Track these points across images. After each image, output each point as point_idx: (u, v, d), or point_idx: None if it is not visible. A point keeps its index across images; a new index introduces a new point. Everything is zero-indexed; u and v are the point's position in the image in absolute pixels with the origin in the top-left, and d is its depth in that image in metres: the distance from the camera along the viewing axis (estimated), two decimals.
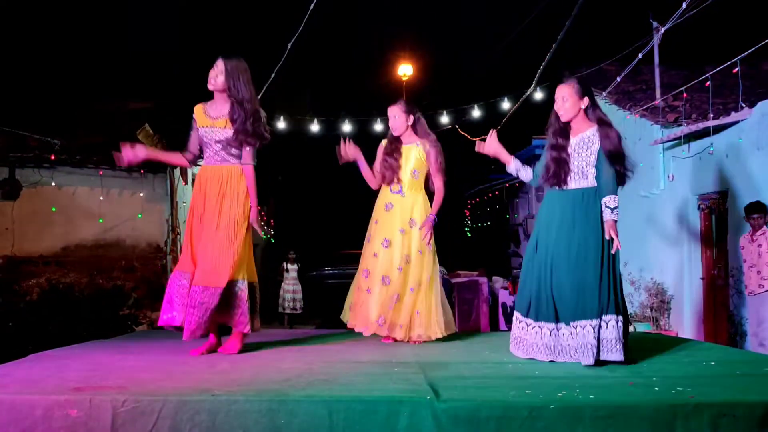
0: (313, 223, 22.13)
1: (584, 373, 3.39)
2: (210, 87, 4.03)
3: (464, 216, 21.67)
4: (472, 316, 12.66)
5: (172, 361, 3.69)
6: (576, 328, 3.68)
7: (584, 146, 3.85)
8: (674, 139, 8.19)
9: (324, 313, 15.46)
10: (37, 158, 10.04)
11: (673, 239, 8.61)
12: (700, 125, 7.63)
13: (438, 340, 4.48)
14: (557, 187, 3.91)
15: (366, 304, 4.46)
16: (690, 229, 8.34)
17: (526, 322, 3.88)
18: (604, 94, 9.76)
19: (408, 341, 4.46)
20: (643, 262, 8.96)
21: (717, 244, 7.94)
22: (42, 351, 4.04)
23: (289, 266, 13.48)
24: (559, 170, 3.87)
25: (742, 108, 7.18)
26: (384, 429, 2.65)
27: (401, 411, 2.66)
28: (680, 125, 8.24)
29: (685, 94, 8.16)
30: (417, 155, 4.61)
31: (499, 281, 12.93)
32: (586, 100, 3.88)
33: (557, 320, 3.76)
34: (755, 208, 6.38)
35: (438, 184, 4.64)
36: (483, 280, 12.51)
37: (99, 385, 2.91)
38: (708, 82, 7.38)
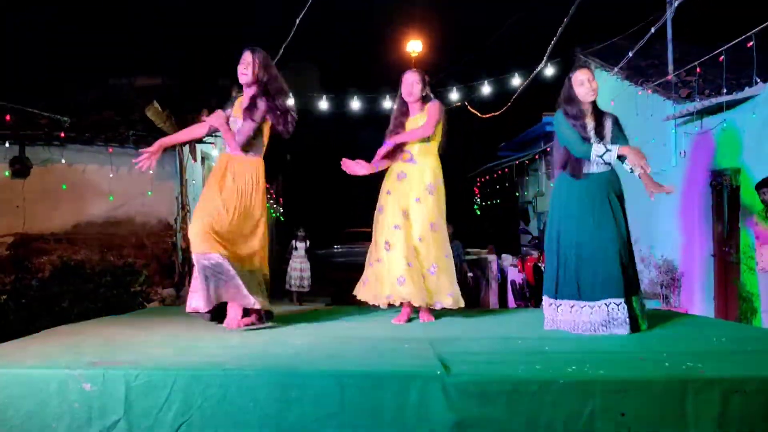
0: (321, 202, 22.17)
1: (594, 348, 3.40)
2: (241, 81, 4.14)
3: (473, 194, 21.62)
4: (481, 293, 12.71)
5: (183, 337, 3.71)
6: (593, 307, 3.85)
7: (600, 130, 4.02)
8: (687, 114, 8.11)
9: (333, 291, 15.55)
10: (47, 136, 10.06)
11: (684, 216, 8.57)
12: (713, 100, 7.54)
13: (446, 315, 4.48)
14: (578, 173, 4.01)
15: (387, 276, 4.33)
16: (701, 206, 8.28)
17: (550, 302, 4.06)
18: (615, 69, 9.66)
19: (420, 309, 4.42)
20: (654, 240, 8.92)
21: (729, 221, 7.89)
22: (55, 327, 4.08)
23: (298, 244, 13.50)
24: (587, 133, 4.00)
25: (756, 83, 7.08)
26: (394, 403, 2.67)
27: (412, 385, 2.68)
28: (693, 101, 8.15)
29: (698, 69, 8.06)
30: (425, 119, 4.49)
31: (508, 259, 12.94)
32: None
33: (579, 298, 3.90)
34: None
35: (423, 130, 4.43)
36: (492, 257, 12.53)
37: (112, 360, 2.93)
38: (722, 57, 7.28)
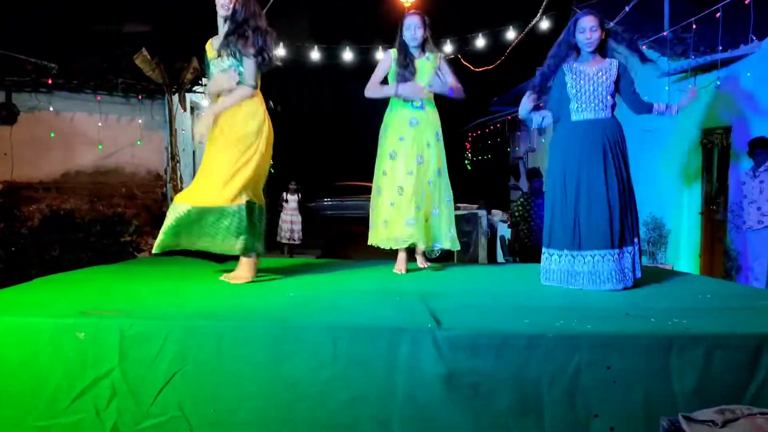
0: (311, 154, 22.03)
1: (582, 304, 3.45)
2: (222, 12, 3.93)
3: (464, 149, 21.57)
4: (470, 248, 12.79)
5: (176, 287, 3.73)
6: (594, 257, 3.87)
7: (603, 76, 3.99)
8: (681, 71, 8.07)
9: (323, 244, 15.61)
10: (34, 82, 9.91)
11: (674, 174, 8.60)
12: (708, 58, 7.50)
13: (437, 268, 4.56)
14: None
15: (398, 219, 4.43)
16: (691, 164, 8.32)
17: (548, 252, 4.06)
18: (611, 23, 9.54)
19: (417, 255, 4.64)
20: (643, 197, 8.89)
21: (718, 180, 7.94)
22: (46, 276, 4.08)
23: (289, 197, 13.48)
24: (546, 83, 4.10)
25: (752, 40, 7.04)
26: (386, 356, 2.71)
27: (403, 339, 2.72)
28: (687, 58, 8.10)
29: (694, 26, 7.99)
30: (431, 68, 4.52)
31: (498, 214, 12.99)
32: (603, 32, 4.04)
33: (579, 248, 3.92)
34: (761, 142, 6.34)
35: (458, 85, 4.57)
36: (482, 212, 12.57)
37: (105, 309, 2.95)
38: (718, 14, 7.21)
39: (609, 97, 3.99)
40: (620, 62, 4.08)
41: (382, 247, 4.55)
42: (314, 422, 2.69)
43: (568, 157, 4.01)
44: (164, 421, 2.69)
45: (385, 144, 4.56)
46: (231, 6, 3.91)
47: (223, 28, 3.99)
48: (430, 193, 4.51)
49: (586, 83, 3.98)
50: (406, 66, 4.47)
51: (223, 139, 3.86)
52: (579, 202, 3.95)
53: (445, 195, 4.58)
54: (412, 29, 4.46)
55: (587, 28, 3.98)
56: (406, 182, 4.43)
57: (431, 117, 4.56)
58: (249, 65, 3.88)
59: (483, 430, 2.68)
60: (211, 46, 4.03)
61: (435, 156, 4.52)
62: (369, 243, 4.63)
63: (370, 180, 4.66)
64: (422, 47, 4.54)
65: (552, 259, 4.03)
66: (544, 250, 4.10)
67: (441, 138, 4.59)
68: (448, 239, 4.56)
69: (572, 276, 3.93)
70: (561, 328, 2.80)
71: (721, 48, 7.40)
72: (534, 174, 8.35)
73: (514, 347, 2.70)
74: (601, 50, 4.06)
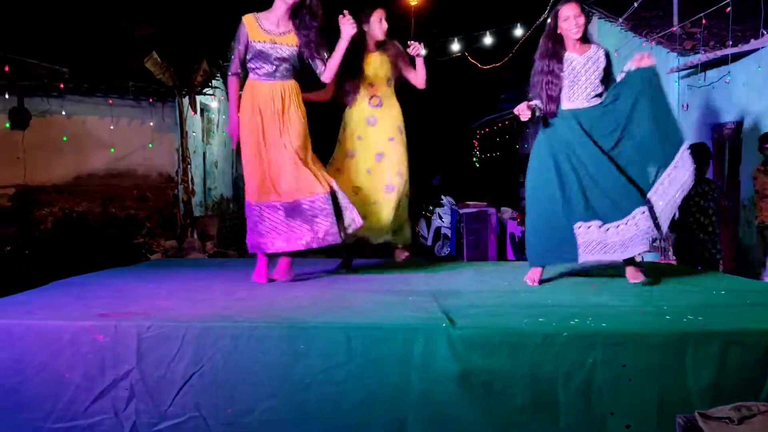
0: (314, 150, 22.06)
1: (596, 302, 3.45)
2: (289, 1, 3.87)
3: (473, 146, 21.54)
4: (480, 246, 12.78)
5: (191, 288, 3.77)
6: (627, 223, 3.80)
7: (592, 64, 3.97)
8: (690, 67, 8.04)
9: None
10: (46, 87, 9.98)
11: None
12: (718, 53, 7.46)
13: (447, 268, 4.58)
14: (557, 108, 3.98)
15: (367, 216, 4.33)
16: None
17: (578, 226, 3.90)
18: (620, 20, 9.53)
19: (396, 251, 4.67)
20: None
21: (729, 175, 7.90)
22: (60, 279, 4.12)
23: None
24: (558, 93, 3.98)
25: (762, 35, 7.00)
26: (400, 355, 2.72)
27: (417, 338, 2.73)
28: (697, 53, 8.06)
29: (703, 21, 7.95)
30: (388, 62, 4.46)
31: (507, 212, 12.97)
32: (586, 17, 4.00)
33: (607, 219, 3.84)
34: None
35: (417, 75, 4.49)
36: (491, 210, 12.55)
37: (123, 312, 2.98)
38: (728, 8, 7.17)
39: (599, 84, 3.98)
40: (606, 49, 4.05)
41: None
42: (329, 422, 2.70)
43: (566, 146, 3.96)
44: (182, 422, 2.72)
45: (344, 141, 4.50)
46: None
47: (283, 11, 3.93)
48: (398, 184, 4.43)
49: (576, 71, 3.96)
50: (359, 65, 4.40)
51: None
52: (581, 176, 3.90)
53: (406, 191, 4.50)
54: (379, 22, 4.41)
55: (571, 15, 3.93)
56: (364, 182, 4.40)
57: (391, 113, 4.48)
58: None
59: (497, 429, 2.68)
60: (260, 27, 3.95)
61: (399, 150, 4.46)
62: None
63: None
64: (381, 39, 4.46)
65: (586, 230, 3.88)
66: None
67: (403, 132, 4.52)
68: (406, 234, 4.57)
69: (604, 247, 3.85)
70: (575, 326, 2.81)
71: (731, 43, 7.36)
72: None
73: (528, 346, 2.71)
74: (585, 37, 4.01)
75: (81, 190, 10.30)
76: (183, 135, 10.39)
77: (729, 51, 7.24)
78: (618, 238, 3.81)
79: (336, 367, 2.72)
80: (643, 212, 3.78)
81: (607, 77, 4.02)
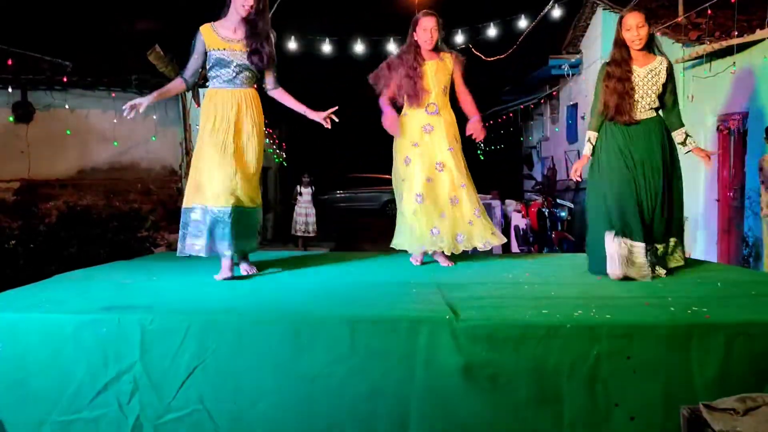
0: (324, 147, 22.04)
1: (600, 293, 3.44)
2: (243, 13, 3.87)
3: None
4: None
5: (194, 282, 3.76)
6: (654, 247, 3.92)
7: (652, 77, 3.94)
8: (696, 57, 7.99)
9: (337, 236, 15.64)
10: (49, 80, 9.97)
11: (690, 161, 8.52)
12: (723, 43, 7.42)
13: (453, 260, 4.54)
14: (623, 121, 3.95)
15: (420, 227, 4.30)
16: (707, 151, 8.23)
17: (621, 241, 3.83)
18: (624, 10, 9.47)
19: (438, 255, 4.48)
20: None
21: (734, 166, 7.87)
22: (65, 272, 4.13)
23: (303, 189, 13.53)
24: (626, 103, 3.92)
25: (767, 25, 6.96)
26: (404, 348, 2.72)
27: (421, 330, 2.72)
28: (702, 43, 8.02)
29: (709, 11, 7.90)
30: (444, 71, 4.41)
31: (512, 204, 12.96)
32: (649, 29, 3.96)
33: (645, 240, 3.86)
34: None
35: (467, 92, 4.49)
36: (496, 203, 12.55)
37: (126, 305, 2.98)
38: None
39: (656, 99, 3.96)
40: (669, 63, 4.00)
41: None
42: (333, 414, 2.71)
43: (621, 157, 3.95)
44: (186, 415, 2.73)
45: (400, 149, 4.43)
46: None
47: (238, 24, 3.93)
48: (461, 196, 4.34)
49: (635, 83, 3.92)
50: (415, 69, 4.33)
51: None
52: (644, 197, 3.93)
53: (471, 205, 4.39)
54: (428, 32, 4.32)
55: (634, 26, 3.90)
56: (425, 189, 4.30)
57: (448, 121, 4.40)
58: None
59: (501, 422, 2.68)
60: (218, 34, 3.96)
61: (460, 159, 4.39)
62: (392, 245, 4.50)
63: (383, 172, 4.60)
64: (437, 48, 4.40)
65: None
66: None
67: (460, 141, 4.45)
68: (494, 236, 4.40)
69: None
70: (580, 318, 2.80)
71: (736, 33, 7.32)
72: None
73: (532, 338, 2.70)
74: (649, 47, 3.96)
75: (85, 184, 10.31)
76: (186, 128, 10.39)
77: (734, 41, 7.20)
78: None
79: (340, 360, 2.72)
80: None
81: (666, 92, 3.99)
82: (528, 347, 2.69)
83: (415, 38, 4.39)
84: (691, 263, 4.70)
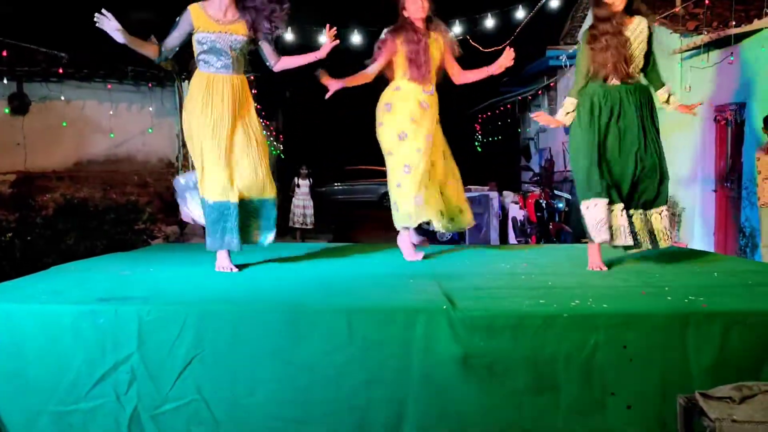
0: (321, 139, 22.03)
1: (597, 283, 3.45)
2: None
3: (474, 130, 21.47)
4: (482, 230, 12.78)
5: (192, 273, 3.76)
6: (652, 215, 3.86)
7: (636, 36, 3.76)
8: (693, 48, 7.98)
9: (335, 228, 15.64)
10: (45, 72, 9.94)
11: (687, 152, 8.53)
12: (721, 33, 7.41)
13: (449, 251, 4.54)
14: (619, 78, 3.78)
15: (405, 198, 4.23)
16: (704, 142, 8.24)
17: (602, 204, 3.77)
18: None
19: (444, 231, 4.42)
20: None
21: (731, 156, 7.88)
22: (62, 264, 4.12)
23: (301, 181, 13.52)
24: (622, 57, 3.74)
25: (765, 15, 6.95)
26: (401, 338, 2.72)
27: (418, 320, 2.73)
28: (700, 34, 8.01)
29: (707, 1, 7.89)
30: (438, 47, 4.27)
31: (509, 196, 12.97)
32: None
33: (636, 206, 3.84)
34: None
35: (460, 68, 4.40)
36: (494, 194, 12.55)
37: (123, 296, 2.98)
38: None
39: (642, 59, 3.81)
40: (650, 21, 3.82)
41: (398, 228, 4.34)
42: (330, 404, 2.71)
43: (607, 119, 3.79)
44: (183, 405, 2.73)
45: (394, 123, 4.26)
46: None
47: None
48: (440, 165, 4.37)
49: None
50: (417, 43, 4.16)
51: None
52: (631, 162, 3.80)
53: (452, 174, 4.45)
54: (419, 1, 4.14)
55: None
56: (414, 160, 4.19)
57: (437, 101, 4.36)
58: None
59: (498, 411, 2.69)
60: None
61: (440, 135, 4.41)
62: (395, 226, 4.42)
63: (381, 164, 4.55)
64: (429, 21, 4.23)
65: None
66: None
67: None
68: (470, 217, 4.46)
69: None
70: (577, 308, 2.80)
71: (734, 23, 7.30)
72: None
73: (529, 327, 2.70)
74: (629, 8, 3.77)
75: (81, 176, 10.29)
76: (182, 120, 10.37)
77: (732, 31, 7.19)
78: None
79: (337, 349, 2.73)
80: None
81: (650, 50, 3.83)
82: (525, 337, 2.70)
83: (406, 15, 4.21)
84: (687, 253, 4.72)
